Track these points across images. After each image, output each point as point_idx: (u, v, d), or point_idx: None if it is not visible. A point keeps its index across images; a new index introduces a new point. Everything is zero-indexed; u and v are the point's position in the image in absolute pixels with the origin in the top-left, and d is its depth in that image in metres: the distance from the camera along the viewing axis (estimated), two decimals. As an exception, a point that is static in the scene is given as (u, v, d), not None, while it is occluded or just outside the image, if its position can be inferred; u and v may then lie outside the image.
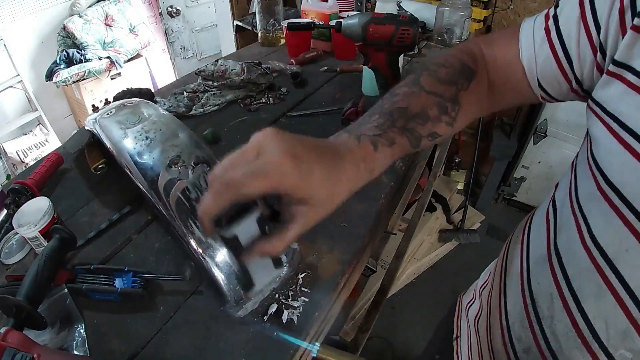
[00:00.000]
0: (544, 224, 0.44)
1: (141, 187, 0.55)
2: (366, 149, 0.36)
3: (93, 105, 0.81)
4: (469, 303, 0.66)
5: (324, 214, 0.34)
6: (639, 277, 0.31)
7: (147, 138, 0.60)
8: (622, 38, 0.31)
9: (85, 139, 0.76)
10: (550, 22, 0.39)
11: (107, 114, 0.67)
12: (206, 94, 0.96)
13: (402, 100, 0.41)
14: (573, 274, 0.37)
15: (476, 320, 0.61)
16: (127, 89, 0.88)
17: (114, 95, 0.87)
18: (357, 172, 0.36)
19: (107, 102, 0.81)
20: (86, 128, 0.71)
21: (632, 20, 0.30)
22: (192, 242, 0.48)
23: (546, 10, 0.41)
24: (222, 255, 0.46)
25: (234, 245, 0.34)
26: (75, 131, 0.90)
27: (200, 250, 0.47)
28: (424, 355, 0.83)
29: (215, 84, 0.98)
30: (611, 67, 0.33)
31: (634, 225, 0.30)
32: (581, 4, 0.36)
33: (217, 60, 1.03)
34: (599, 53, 0.35)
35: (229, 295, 0.46)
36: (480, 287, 0.64)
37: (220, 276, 0.46)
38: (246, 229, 0.34)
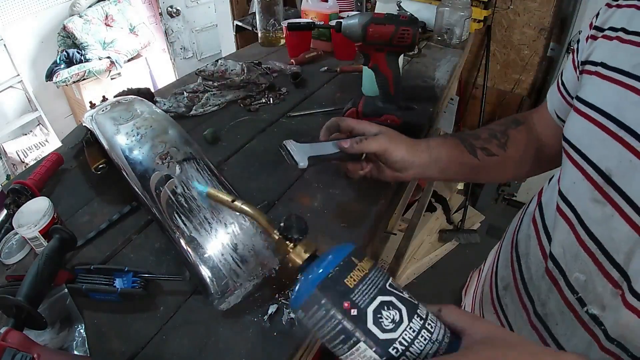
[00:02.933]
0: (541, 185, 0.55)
1: (131, 182, 0.56)
2: (428, 142, 0.56)
3: (91, 102, 0.82)
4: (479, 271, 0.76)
5: (401, 166, 0.54)
6: (583, 203, 0.38)
7: (138, 134, 0.61)
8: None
9: (83, 135, 0.76)
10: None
11: (102, 111, 0.68)
12: (206, 94, 0.96)
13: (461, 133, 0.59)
14: (546, 215, 0.46)
15: (479, 272, 0.72)
16: (127, 89, 0.89)
17: (114, 95, 0.87)
18: (426, 153, 0.55)
19: (104, 99, 0.81)
20: (84, 124, 0.72)
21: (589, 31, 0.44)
22: (178, 237, 0.49)
23: None
24: (207, 250, 0.48)
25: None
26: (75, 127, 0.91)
27: (185, 245, 0.48)
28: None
29: (216, 84, 0.98)
30: (580, 67, 0.45)
31: (579, 164, 0.39)
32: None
33: (217, 61, 1.03)
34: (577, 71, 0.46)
35: (212, 288, 0.47)
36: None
37: (204, 270, 0.47)
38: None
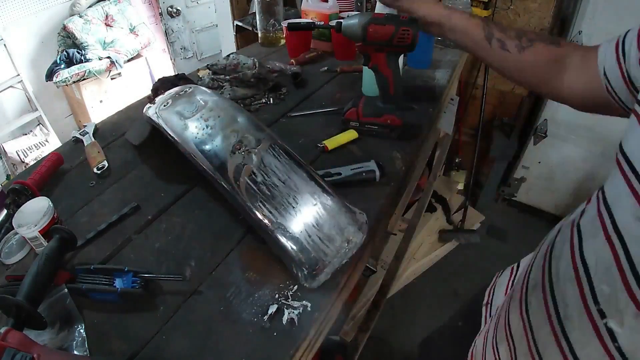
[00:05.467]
0: None
1: (210, 173, 0.57)
2: (451, 11, 0.65)
3: (149, 97, 0.81)
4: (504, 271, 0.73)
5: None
6: (626, 218, 0.36)
7: (207, 126, 0.61)
8: None
9: (149, 131, 0.72)
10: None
11: (165, 105, 0.67)
12: (222, 90, 0.96)
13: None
14: (584, 222, 0.43)
15: (511, 275, 0.69)
16: (164, 77, 0.92)
17: (153, 84, 0.89)
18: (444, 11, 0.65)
19: (155, 91, 0.81)
20: (146, 117, 0.70)
21: None
22: (264, 224, 0.51)
23: None
24: (294, 233, 0.50)
25: None
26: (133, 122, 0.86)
27: (273, 231, 0.50)
28: (449, 323, 0.88)
29: (227, 77, 0.97)
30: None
31: (629, 178, 0.36)
32: None
33: (229, 55, 1.03)
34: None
35: (302, 269, 0.49)
36: None
37: (294, 252, 0.49)
38: None
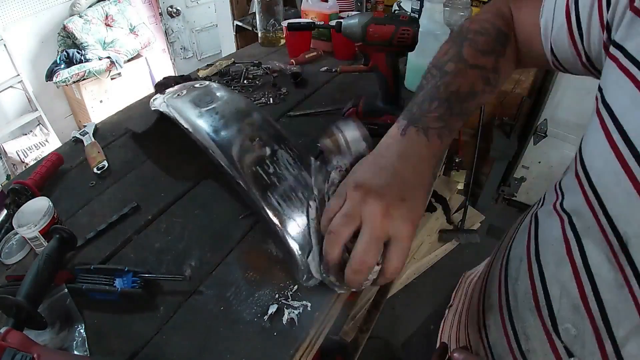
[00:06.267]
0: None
1: (221, 162, 0.57)
2: (435, 145, 0.42)
3: (155, 88, 0.84)
4: (470, 274, 0.69)
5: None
6: (596, 256, 0.31)
7: (223, 117, 0.61)
8: None
9: (154, 119, 0.73)
10: None
11: (178, 95, 0.68)
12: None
13: (453, 82, 0.45)
14: (543, 240, 0.39)
15: (469, 283, 0.65)
16: (169, 76, 0.92)
17: (157, 82, 0.90)
18: (429, 171, 0.43)
19: (160, 86, 0.82)
20: (153, 108, 0.70)
21: (634, 1, 0.29)
22: (270, 215, 0.51)
23: None
24: (297, 228, 0.50)
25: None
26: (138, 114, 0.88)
27: (278, 224, 0.50)
28: (421, 327, 0.86)
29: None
30: (610, 49, 0.32)
31: (598, 217, 0.31)
32: None
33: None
34: (605, 32, 0.33)
35: (302, 265, 0.49)
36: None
37: (294, 248, 0.49)
38: None
